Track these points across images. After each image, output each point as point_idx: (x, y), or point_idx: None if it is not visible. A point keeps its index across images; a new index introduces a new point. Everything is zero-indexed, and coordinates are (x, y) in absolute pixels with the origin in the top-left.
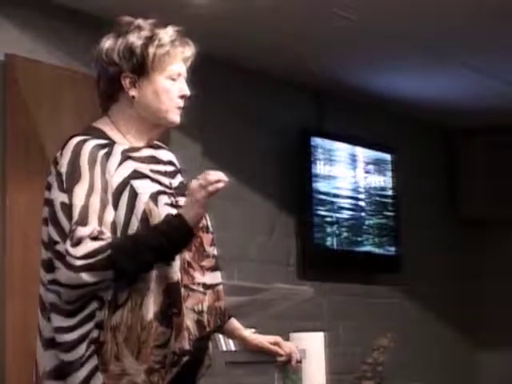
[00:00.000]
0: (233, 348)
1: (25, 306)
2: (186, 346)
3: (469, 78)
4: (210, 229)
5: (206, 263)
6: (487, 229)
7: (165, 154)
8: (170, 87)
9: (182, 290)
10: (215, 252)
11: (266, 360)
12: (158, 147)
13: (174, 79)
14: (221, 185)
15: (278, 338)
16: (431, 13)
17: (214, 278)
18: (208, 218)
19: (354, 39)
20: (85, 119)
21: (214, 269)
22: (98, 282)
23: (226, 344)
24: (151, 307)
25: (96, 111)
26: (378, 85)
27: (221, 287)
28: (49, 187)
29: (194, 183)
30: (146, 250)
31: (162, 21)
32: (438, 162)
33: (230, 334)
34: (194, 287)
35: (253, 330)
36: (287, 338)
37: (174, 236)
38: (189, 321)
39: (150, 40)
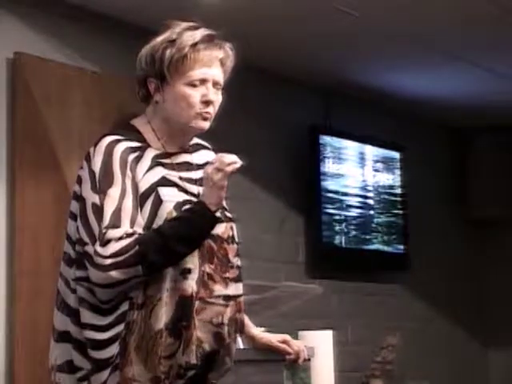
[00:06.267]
0: (241, 346)
1: (34, 303)
2: (193, 360)
3: (478, 77)
4: (236, 239)
5: (229, 274)
6: (496, 227)
7: (201, 157)
8: (189, 93)
9: (197, 303)
10: (239, 263)
11: (275, 358)
12: (196, 149)
13: (194, 85)
14: (237, 165)
15: (286, 337)
16: (444, 12)
17: (237, 289)
18: (235, 229)
19: (363, 37)
20: (93, 117)
21: (237, 280)
22: (128, 279)
23: None
24: (161, 318)
25: (104, 109)
26: (386, 83)
27: (242, 299)
28: (79, 181)
29: (210, 167)
30: (172, 241)
31: (203, 24)
32: (447, 161)
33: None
34: (212, 300)
35: (262, 328)
36: (296, 337)
37: (198, 222)
38: (205, 334)
39: (171, 43)
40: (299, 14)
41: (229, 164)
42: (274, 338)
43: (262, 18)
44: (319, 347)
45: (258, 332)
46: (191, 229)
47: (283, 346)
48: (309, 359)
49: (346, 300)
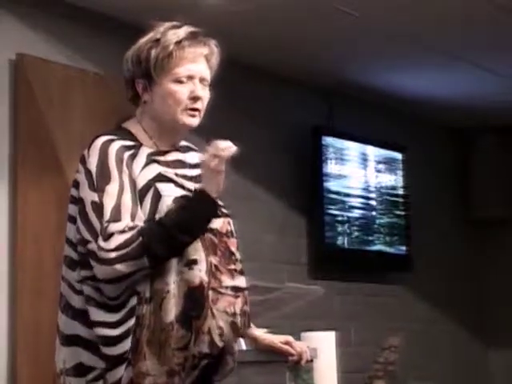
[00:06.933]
0: (244, 347)
1: (36, 304)
2: (205, 349)
3: (479, 77)
4: (235, 234)
5: (235, 266)
6: (498, 228)
7: (193, 157)
8: (177, 90)
9: (211, 293)
10: (239, 257)
11: (278, 359)
12: (186, 150)
13: (181, 82)
14: (232, 150)
15: (289, 338)
16: (444, 12)
17: (242, 281)
18: (232, 224)
19: (363, 37)
20: (95, 118)
21: (242, 272)
22: (133, 272)
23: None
24: (171, 310)
25: (106, 110)
26: (386, 83)
27: (246, 292)
28: (76, 185)
29: (206, 155)
30: (174, 230)
31: (187, 22)
32: (449, 161)
33: None
34: (222, 290)
35: (264, 329)
36: (298, 338)
37: (199, 209)
38: (223, 323)
39: (155, 43)
40: (299, 14)
41: (224, 149)
42: (276, 339)
43: (263, 18)
44: (322, 348)
45: (260, 333)
46: (192, 216)
47: (286, 347)
48: (311, 360)
49: (348, 301)
